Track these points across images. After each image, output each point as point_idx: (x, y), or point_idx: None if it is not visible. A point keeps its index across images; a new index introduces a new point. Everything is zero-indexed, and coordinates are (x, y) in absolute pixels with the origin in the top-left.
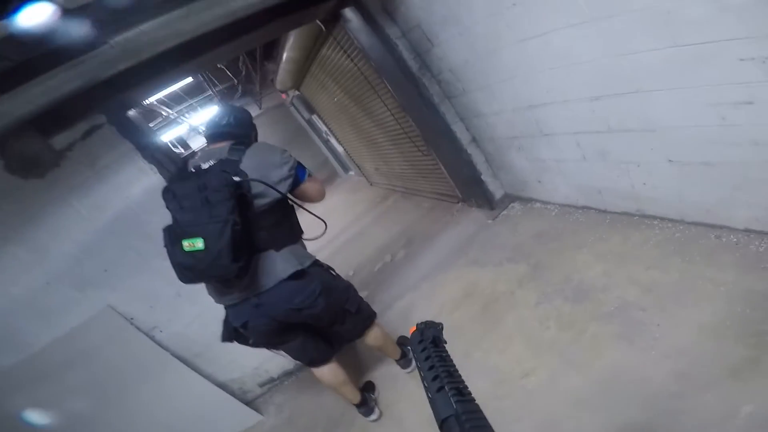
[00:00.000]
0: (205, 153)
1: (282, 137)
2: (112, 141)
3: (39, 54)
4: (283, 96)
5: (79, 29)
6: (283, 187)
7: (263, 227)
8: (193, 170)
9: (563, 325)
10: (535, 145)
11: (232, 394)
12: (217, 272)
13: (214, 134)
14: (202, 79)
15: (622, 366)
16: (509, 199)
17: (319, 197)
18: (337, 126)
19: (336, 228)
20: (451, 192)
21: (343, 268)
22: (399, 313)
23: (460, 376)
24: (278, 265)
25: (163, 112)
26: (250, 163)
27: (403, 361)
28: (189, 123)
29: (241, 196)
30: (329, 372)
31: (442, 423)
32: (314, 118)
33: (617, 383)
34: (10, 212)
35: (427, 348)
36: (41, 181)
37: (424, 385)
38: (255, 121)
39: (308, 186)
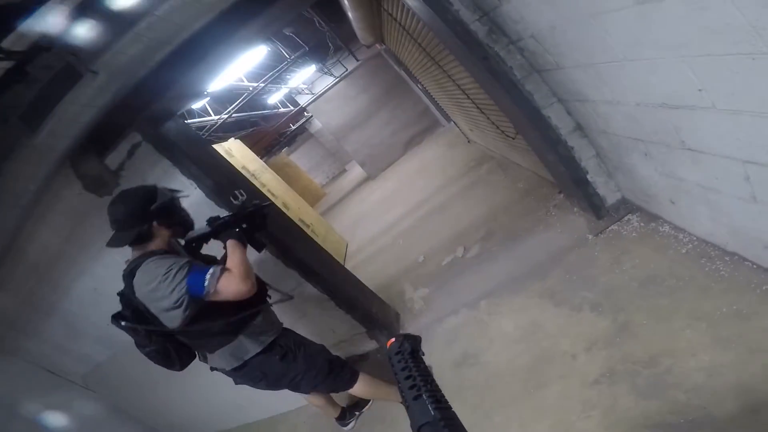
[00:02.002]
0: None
1: (381, 88)
2: (152, 158)
3: (60, 71)
4: (377, 46)
5: (88, 31)
6: (176, 320)
7: (188, 339)
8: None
9: (609, 420)
10: (670, 157)
11: None
12: None
13: (110, 241)
14: (280, 46)
15: None
16: (626, 208)
17: (239, 299)
18: (426, 82)
19: (425, 191)
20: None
21: (415, 250)
22: (445, 334)
23: (437, 385)
24: (215, 362)
25: (250, 87)
26: (140, 293)
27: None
28: (288, 87)
29: (146, 331)
30: (306, 398)
31: (419, 429)
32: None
33: None
34: (98, 223)
35: (405, 358)
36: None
37: (401, 394)
38: (354, 75)
39: (216, 296)
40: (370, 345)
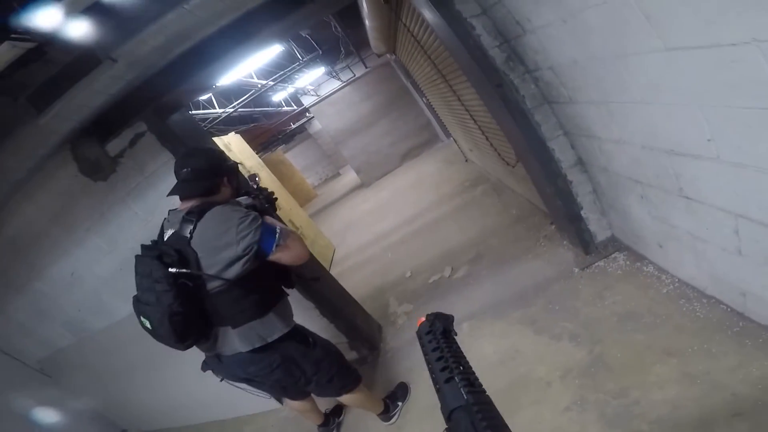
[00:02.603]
0: (172, 215)
1: (386, 97)
2: (154, 149)
3: (79, 55)
4: (388, 55)
5: (110, 24)
6: (234, 270)
7: (219, 306)
8: (153, 242)
9: None
10: (666, 203)
11: None
12: (169, 346)
13: (177, 189)
14: (293, 46)
15: None
16: (614, 246)
17: (297, 262)
18: (431, 97)
19: (418, 206)
20: (545, 208)
21: (403, 264)
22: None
23: (471, 367)
24: (235, 341)
25: (259, 84)
26: (200, 239)
27: (384, 415)
28: (294, 87)
29: (183, 285)
30: (293, 405)
31: (450, 414)
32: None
33: None
34: (88, 207)
35: (437, 338)
36: (105, 184)
37: (432, 376)
38: (361, 81)
39: (279, 256)
40: (350, 355)
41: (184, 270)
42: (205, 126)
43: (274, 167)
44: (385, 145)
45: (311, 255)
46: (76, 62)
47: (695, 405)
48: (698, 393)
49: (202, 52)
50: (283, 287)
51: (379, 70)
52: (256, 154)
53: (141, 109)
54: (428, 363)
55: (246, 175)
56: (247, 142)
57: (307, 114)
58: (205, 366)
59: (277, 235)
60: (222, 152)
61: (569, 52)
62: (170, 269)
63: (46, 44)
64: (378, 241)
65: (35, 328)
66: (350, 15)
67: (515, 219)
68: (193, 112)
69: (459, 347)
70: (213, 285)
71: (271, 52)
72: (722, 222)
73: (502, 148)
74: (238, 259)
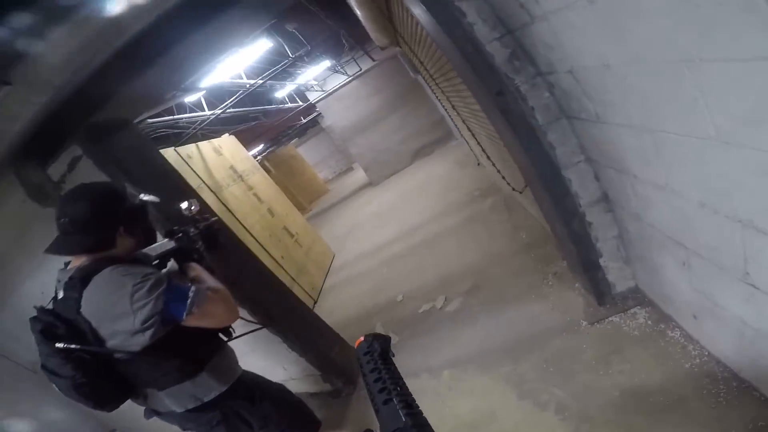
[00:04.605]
0: (61, 274)
1: (395, 91)
2: (94, 174)
3: None
4: (394, 48)
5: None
6: (139, 342)
7: (135, 372)
8: (45, 306)
9: None
10: (718, 282)
11: None
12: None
13: (56, 245)
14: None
15: None
16: (636, 299)
17: (220, 326)
18: (436, 92)
19: (422, 214)
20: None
21: (396, 286)
22: None
23: (408, 389)
24: (165, 402)
25: (248, 84)
26: (89, 309)
27: None
28: (296, 83)
29: (79, 357)
30: None
31: None
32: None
33: None
34: (43, 232)
35: (375, 359)
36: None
37: (370, 397)
38: (368, 75)
39: (195, 323)
40: (324, 387)
41: (73, 346)
42: (193, 129)
43: (285, 163)
44: (395, 142)
45: (277, 286)
46: None
47: None
48: None
49: (126, 62)
50: (220, 336)
51: (387, 63)
52: (266, 149)
53: (73, 129)
54: (366, 384)
55: (183, 204)
56: (253, 139)
57: (315, 109)
58: (148, 414)
59: (188, 300)
60: (120, 192)
61: (599, 50)
62: (57, 345)
63: None
64: (376, 252)
65: (21, 335)
66: (347, 7)
67: (524, 246)
68: (177, 116)
69: (397, 369)
70: (119, 356)
71: (256, 50)
72: None
73: (507, 169)
74: (140, 332)
